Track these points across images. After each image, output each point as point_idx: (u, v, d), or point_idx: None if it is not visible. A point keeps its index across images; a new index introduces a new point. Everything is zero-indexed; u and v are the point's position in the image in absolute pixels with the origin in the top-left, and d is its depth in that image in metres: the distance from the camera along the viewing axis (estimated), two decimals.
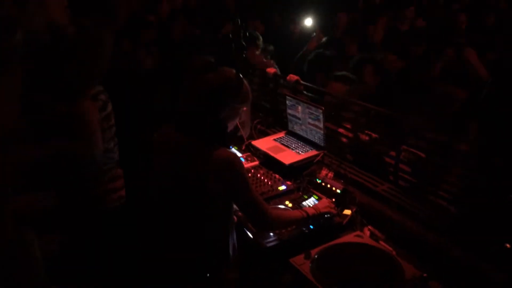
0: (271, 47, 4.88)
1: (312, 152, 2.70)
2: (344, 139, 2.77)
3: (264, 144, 2.91)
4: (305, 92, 3.12)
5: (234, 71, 1.81)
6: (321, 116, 2.64)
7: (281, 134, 3.06)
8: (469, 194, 1.98)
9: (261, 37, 4.51)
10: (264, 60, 4.36)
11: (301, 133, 2.92)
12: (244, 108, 1.93)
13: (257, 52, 4.40)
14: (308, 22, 5.21)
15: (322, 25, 5.11)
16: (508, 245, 1.75)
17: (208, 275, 1.86)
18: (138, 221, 2.34)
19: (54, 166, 1.92)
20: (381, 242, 1.97)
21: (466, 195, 1.99)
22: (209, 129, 1.78)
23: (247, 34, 4.12)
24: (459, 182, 2.02)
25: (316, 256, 1.81)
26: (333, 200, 2.22)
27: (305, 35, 5.15)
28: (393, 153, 2.43)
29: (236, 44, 2.26)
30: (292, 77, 3.15)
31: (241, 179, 1.77)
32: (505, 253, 1.72)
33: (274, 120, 3.35)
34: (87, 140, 2.00)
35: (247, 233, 2.10)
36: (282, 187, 2.43)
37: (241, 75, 1.80)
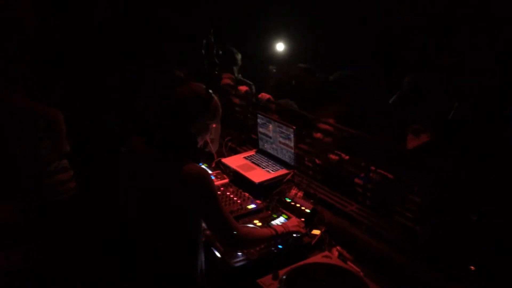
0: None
1: (282, 171, 2.69)
2: (317, 160, 2.77)
3: (234, 162, 2.89)
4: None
5: (203, 86, 1.79)
6: (292, 135, 2.65)
7: (252, 152, 3.04)
8: (432, 214, 2.00)
9: (240, 55, 4.16)
10: (241, 78, 4.22)
11: (271, 151, 2.91)
12: (214, 125, 1.91)
13: (235, 69, 4.06)
14: (280, 47, 5.29)
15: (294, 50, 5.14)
16: (472, 267, 1.77)
17: None
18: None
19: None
20: (349, 263, 1.96)
21: (429, 215, 2.02)
22: (179, 144, 1.74)
23: (227, 50, 4.03)
24: (422, 202, 2.05)
25: (284, 277, 1.78)
26: (302, 220, 2.20)
27: (276, 58, 5.20)
28: (362, 174, 2.44)
29: (208, 60, 2.26)
30: (264, 95, 3.16)
31: (211, 196, 1.73)
32: (470, 275, 1.74)
33: (245, 138, 3.33)
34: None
35: (215, 253, 2.05)
36: (252, 206, 2.40)
37: (211, 91, 1.79)
